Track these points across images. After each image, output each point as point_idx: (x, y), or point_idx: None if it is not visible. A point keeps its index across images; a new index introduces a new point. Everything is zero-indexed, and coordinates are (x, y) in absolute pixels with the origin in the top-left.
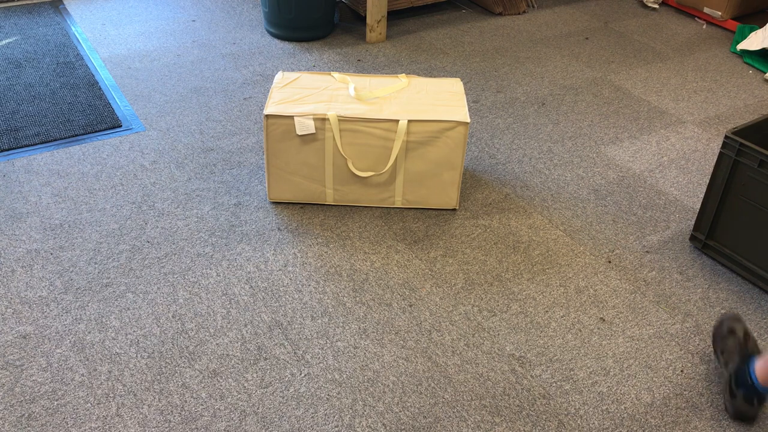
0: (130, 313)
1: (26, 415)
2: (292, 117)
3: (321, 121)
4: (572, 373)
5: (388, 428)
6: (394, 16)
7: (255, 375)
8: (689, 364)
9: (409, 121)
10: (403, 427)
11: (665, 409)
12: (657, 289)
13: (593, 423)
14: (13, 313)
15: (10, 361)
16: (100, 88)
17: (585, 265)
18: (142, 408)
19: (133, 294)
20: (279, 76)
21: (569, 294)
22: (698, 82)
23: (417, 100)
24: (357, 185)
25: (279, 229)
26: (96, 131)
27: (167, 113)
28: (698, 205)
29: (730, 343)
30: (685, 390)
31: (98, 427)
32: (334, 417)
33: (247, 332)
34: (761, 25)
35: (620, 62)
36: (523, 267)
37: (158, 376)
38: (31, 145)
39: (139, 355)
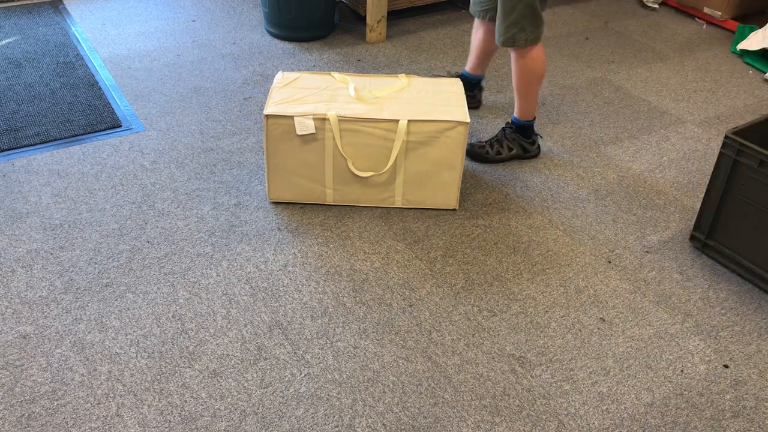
0: (130, 313)
1: (26, 415)
2: (292, 117)
3: (321, 121)
4: (572, 373)
5: (388, 428)
6: (394, 16)
7: (255, 375)
8: (689, 364)
9: (409, 121)
10: (403, 427)
11: (665, 409)
12: (657, 289)
13: (593, 423)
14: (13, 313)
15: (10, 361)
16: (100, 88)
17: (585, 265)
18: (142, 408)
19: (133, 294)
20: (279, 76)
21: (569, 294)
22: (698, 82)
23: (417, 100)
24: (357, 185)
25: (279, 229)
26: (96, 131)
27: (167, 113)
28: (698, 205)
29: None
30: (685, 390)
31: (98, 427)
32: (334, 417)
33: (247, 332)
34: (761, 25)
35: (620, 62)
36: (523, 267)
37: (158, 376)
38: (31, 145)
39: (139, 355)
